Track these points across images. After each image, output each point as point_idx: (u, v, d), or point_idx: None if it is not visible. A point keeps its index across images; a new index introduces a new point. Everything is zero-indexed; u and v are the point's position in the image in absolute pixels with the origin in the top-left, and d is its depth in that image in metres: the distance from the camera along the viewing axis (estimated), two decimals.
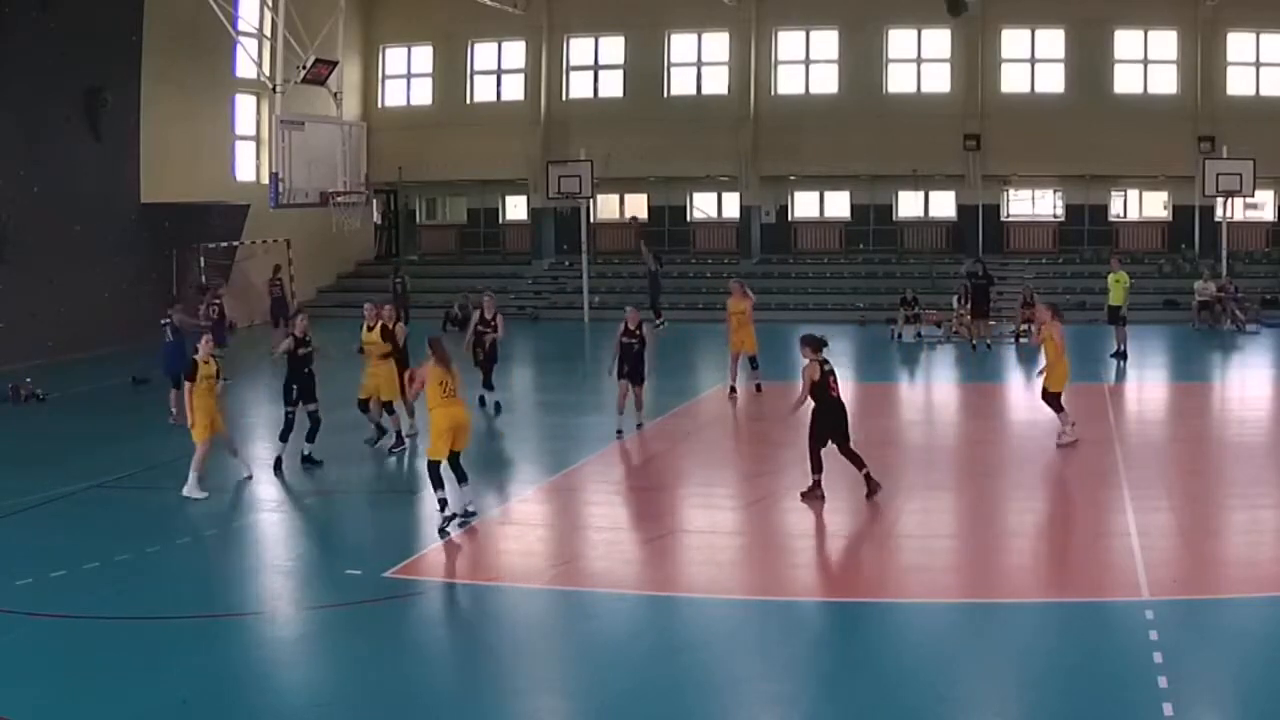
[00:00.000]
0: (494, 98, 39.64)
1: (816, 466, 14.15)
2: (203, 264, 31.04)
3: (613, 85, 38.69)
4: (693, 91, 38.25)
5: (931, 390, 24.82)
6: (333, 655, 10.20)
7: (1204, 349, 27.72)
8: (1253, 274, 33.13)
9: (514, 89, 39.30)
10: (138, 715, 8.84)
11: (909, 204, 37.82)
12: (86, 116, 28.20)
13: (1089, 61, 35.14)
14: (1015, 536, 13.30)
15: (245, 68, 33.06)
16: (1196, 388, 23.67)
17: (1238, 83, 34.52)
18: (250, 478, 15.68)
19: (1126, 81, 35.27)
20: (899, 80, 36.83)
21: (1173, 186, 35.42)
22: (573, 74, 38.96)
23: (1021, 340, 27.28)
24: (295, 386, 16.38)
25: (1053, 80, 35.77)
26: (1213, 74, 34.39)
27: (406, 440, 17.40)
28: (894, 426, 19.55)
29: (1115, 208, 37.00)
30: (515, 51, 39.05)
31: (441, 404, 13.16)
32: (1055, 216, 37.39)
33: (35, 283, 26.52)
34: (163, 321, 20.21)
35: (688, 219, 39.40)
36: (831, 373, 14.30)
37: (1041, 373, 17.38)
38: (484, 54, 39.57)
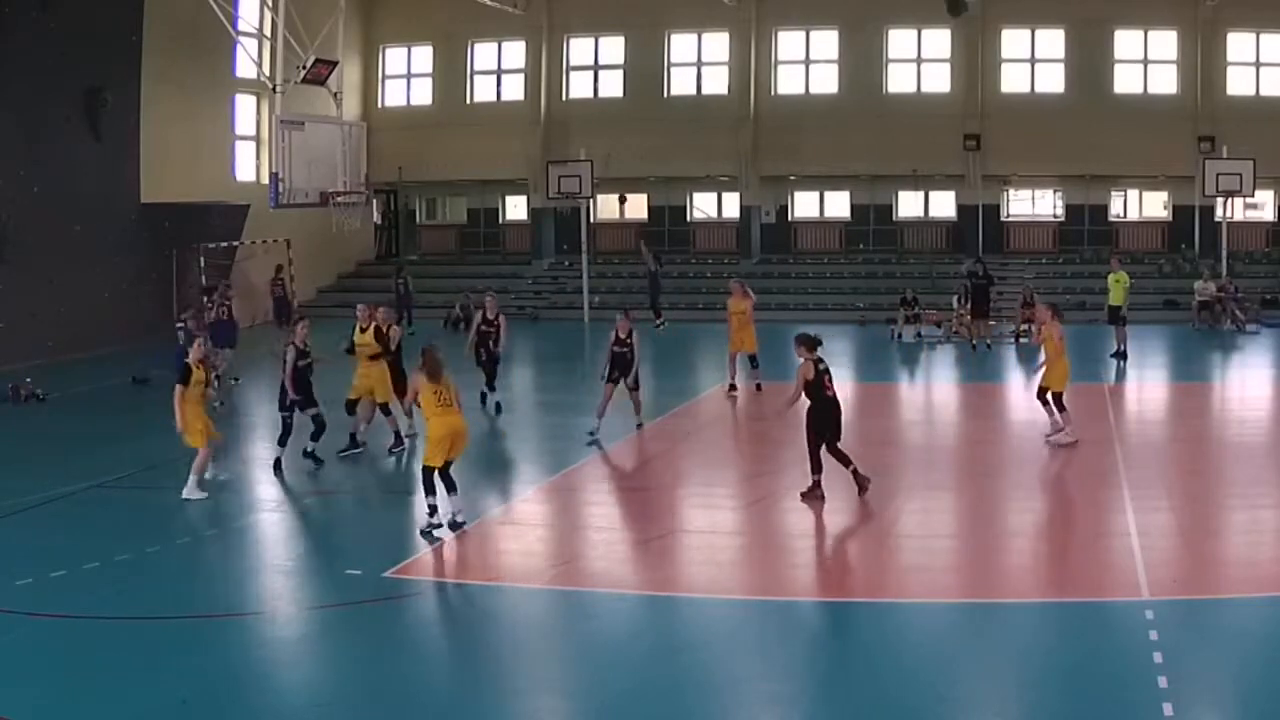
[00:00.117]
0: (494, 98, 39.61)
1: (816, 467, 14.16)
2: (203, 264, 31.00)
3: (613, 85, 38.67)
4: (693, 91, 38.23)
5: (931, 390, 24.81)
6: (333, 655, 10.20)
7: (1204, 349, 27.71)
8: (1253, 274, 33.12)
9: (514, 89, 39.28)
10: (138, 715, 8.83)
11: (909, 204, 37.82)
12: (86, 116, 28.17)
13: (1089, 61, 35.14)
14: (1015, 536, 13.30)
15: (245, 68, 33.03)
16: (1196, 388, 23.66)
17: (1238, 83, 34.52)
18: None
19: (1126, 81, 35.27)
20: (899, 80, 36.82)
21: (1173, 186, 35.42)
22: (573, 74, 38.95)
23: (1021, 340, 27.29)
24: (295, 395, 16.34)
25: (1053, 80, 35.77)
26: (1213, 74, 34.39)
27: (406, 441, 17.37)
28: (894, 426, 19.56)
29: (1115, 208, 37.00)
30: (515, 51, 39.04)
31: (438, 413, 13.10)
32: (1055, 216, 37.40)
33: (35, 283, 26.50)
34: (176, 325, 20.22)
35: (688, 219, 39.41)
36: (826, 371, 14.34)
37: (1040, 367, 17.40)
38: (484, 54, 39.55)
